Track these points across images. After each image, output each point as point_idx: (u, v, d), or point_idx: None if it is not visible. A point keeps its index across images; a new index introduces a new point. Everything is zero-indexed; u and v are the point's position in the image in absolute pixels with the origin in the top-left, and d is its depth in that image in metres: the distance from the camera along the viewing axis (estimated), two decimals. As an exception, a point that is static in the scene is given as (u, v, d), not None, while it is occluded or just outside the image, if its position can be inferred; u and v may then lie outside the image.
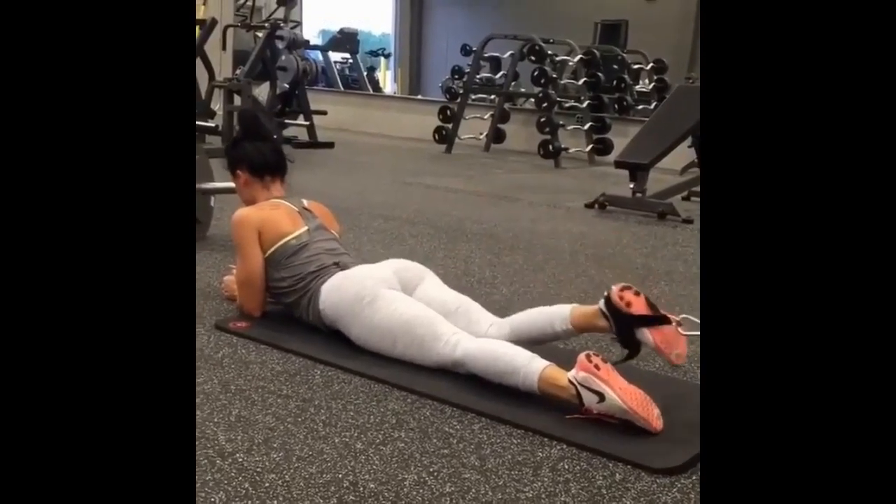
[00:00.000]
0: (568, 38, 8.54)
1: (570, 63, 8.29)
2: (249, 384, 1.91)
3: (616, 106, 8.58)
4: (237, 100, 6.45)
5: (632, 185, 5.03)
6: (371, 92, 11.62)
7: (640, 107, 8.83)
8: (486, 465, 1.58)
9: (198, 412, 1.73)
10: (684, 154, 6.22)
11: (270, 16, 8.11)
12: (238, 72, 7.83)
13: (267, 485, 1.46)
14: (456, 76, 8.94)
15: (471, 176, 6.55)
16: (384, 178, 5.89)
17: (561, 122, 7.80)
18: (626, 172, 5.13)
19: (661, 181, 5.52)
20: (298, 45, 7.70)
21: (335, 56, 11.72)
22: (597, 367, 1.73)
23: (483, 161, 7.66)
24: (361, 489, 1.46)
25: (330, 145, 7.54)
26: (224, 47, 8.01)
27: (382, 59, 14.20)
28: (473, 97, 8.78)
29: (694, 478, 1.57)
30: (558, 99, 7.87)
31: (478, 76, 8.60)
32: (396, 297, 2.11)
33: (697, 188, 5.50)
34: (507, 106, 8.58)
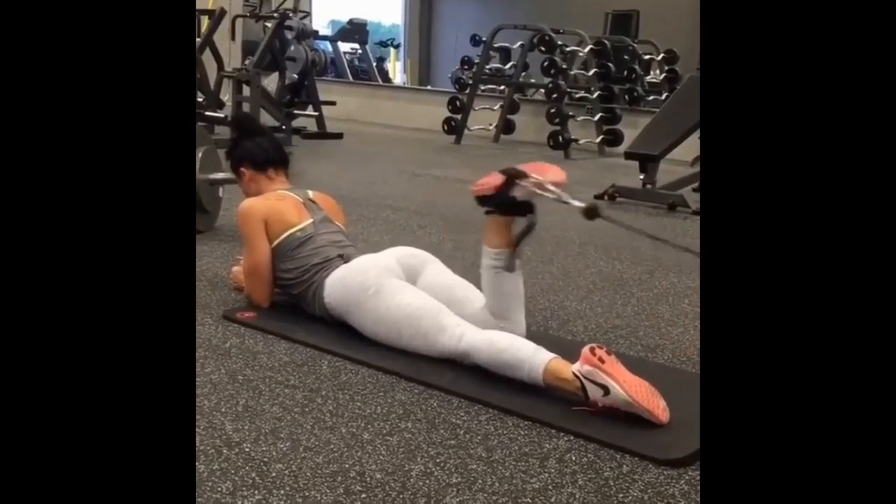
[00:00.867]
0: (578, 28, 8.48)
1: (581, 53, 8.24)
2: (257, 374, 1.92)
3: (626, 97, 8.53)
4: (246, 90, 6.44)
5: (642, 177, 5.01)
6: (380, 82, 11.60)
7: (651, 98, 8.77)
8: (493, 457, 1.58)
9: (205, 402, 1.74)
10: (695, 145, 6.17)
11: (280, 6, 8.09)
12: (247, 62, 7.84)
13: (274, 475, 1.46)
14: (465, 67, 8.90)
15: (480, 167, 6.51)
16: (393, 168, 5.88)
17: (571, 113, 7.76)
18: (636, 163, 5.10)
19: (672, 172, 5.49)
20: (307, 35, 7.69)
21: (344, 46, 11.69)
22: (601, 359, 1.72)
23: (492, 152, 7.63)
24: (368, 479, 1.46)
25: (339, 136, 7.53)
26: (233, 37, 8.01)
27: (392, 49, 14.16)
28: (483, 88, 8.75)
29: (701, 470, 1.57)
30: (568, 90, 7.83)
31: (487, 67, 8.56)
32: (401, 288, 2.10)
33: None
34: (516, 97, 8.55)
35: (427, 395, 1.85)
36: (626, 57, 8.81)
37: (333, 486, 1.43)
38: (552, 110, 7.58)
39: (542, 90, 7.84)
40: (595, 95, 8.05)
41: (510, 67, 8.74)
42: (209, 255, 2.95)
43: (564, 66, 7.84)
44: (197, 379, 1.84)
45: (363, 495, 1.41)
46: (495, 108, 8.50)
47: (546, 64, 7.63)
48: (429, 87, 12.72)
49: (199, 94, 6.53)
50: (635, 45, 9.08)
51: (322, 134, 7.49)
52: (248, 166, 2.54)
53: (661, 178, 5.07)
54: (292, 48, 7.45)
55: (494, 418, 1.75)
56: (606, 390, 1.71)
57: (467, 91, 8.33)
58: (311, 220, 2.37)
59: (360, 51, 11.89)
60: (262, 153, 2.53)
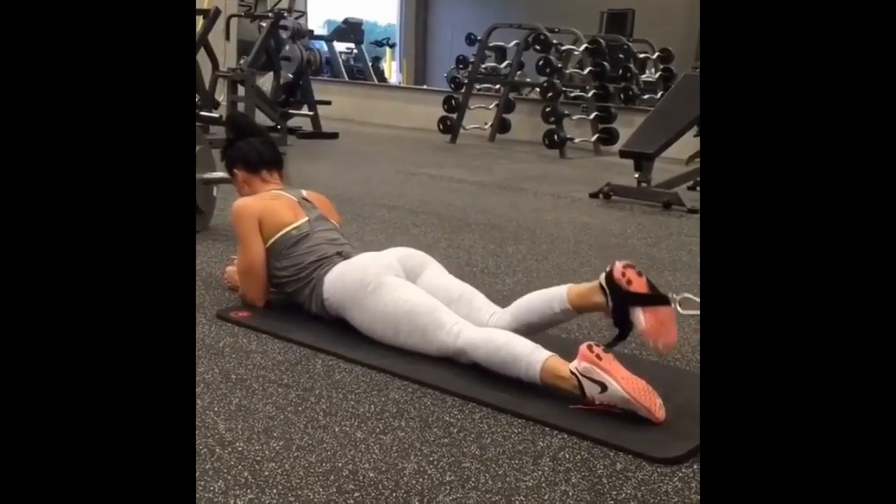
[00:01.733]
0: (573, 27, 8.48)
1: (576, 52, 8.24)
2: (250, 373, 1.91)
3: (622, 95, 8.54)
4: (241, 90, 6.43)
5: (637, 175, 5.01)
6: (376, 82, 11.59)
7: (646, 96, 8.79)
8: (487, 455, 1.57)
9: (198, 401, 1.73)
10: (690, 143, 6.19)
11: (275, 5, 8.08)
12: (242, 62, 7.82)
13: (266, 473, 1.46)
14: (461, 66, 8.91)
15: (475, 166, 6.54)
16: (388, 168, 5.88)
17: (566, 112, 7.76)
18: (631, 162, 5.11)
19: (667, 171, 5.49)
20: (302, 34, 7.68)
21: (340, 46, 11.69)
22: (598, 357, 1.72)
23: (488, 151, 7.63)
24: (361, 478, 1.46)
25: (334, 135, 7.53)
26: (228, 37, 7.99)
27: (387, 48, 14.15)
28: (478, 87, 8.75)
29: (695, 467, 1.57)
30: (563, 88, 7.84)
31: (483, 66, 8.57)
32: (400, 285, 2.10)
33: (703, 178, 5.47)
34: (512, 96, 8.55)
35: (421, 394, 1.85)
36: (621, 56, 8.83)
37: (326, 485, 1.43)
38: (547, 109, 7.57)
39: (538, 89, 7.85)
40: (590, 94, 8.05)
41: (505, 66, 8.75)
42: (204, 255, 2.95)
43: (560, 65, 7.85)
44: (190, 378, 1.84)
45: (356, 494, 1.41)
46: (491, 107, 8.51)
47: (541, 63, 7.63)
48: (424, 87, 12.72)
49: (193, 93, 6.52)
50: (630, 43, 9.09)
51: (317, 134, 7.49)
52: (241, 168, 2.55)
53: (656, 177, 5.08)
54: (287, 48, 7.45)
55: (488, 416, 1.74)
56: (604, 387, 1.71)
57: (463, 90, 8.33)
58: (307, 219, 2.37)
59: (355, 50, 11.88)
60: (254, 154, 2.54)
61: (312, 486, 1.43)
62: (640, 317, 1.89)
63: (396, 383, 1.90)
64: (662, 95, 7.42)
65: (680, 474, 1.54)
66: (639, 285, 1.91)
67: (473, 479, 1.48)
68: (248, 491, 1.40)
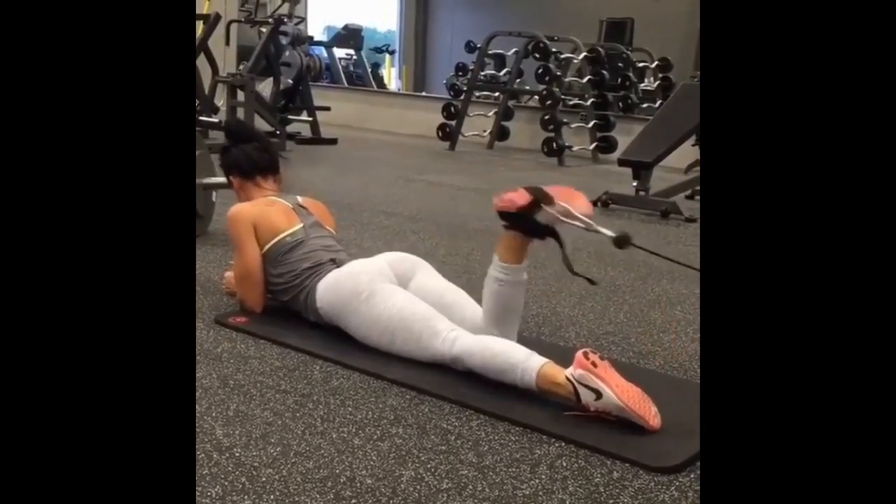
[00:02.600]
0: (573, 35, 8.51)
1: (575, 61, 8.26)
2: (248, 379, 1.91)
3: (620, 104, 8.56)
4: (240, 95, 6.44)
5: (635, 184, 5.02)
6: (375, 88, 11.61)
7: (645, 105, 8.81)
8: (484, 462, 1.57)
9: (196, 406, 1.73)
10: (688, 152, 6.20)
11: (275, 11, 8.10)
12: (241, 67, 7.83)
13: (264, 479, 1.45)
14: (460, 73, 8.92)
15: (474, 173, 6.54)
16: (387, 174, 5.88)
17: (565, 120, 7.77)
18: (629, 170, 5.11)
19: (665, 179, 5.50)
20: (302, 40, 7.69)
21: (339, 52, 11.70)
22: (594, 364, 1.73)
23: (486, 158, 7.64)
24: (358, 485, 1.46)
25: (333, 141, 7.53)
26: (228, 42, 7.99)
27: (387, 55, 14.17)
28: (477, 94, 8.76)
29: (692, 476, 1.57)
30: (562, 97, 7.84)
31: (482, 73, 8.58)
32: (394, 292, 2.10)
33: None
34: (511, 103, 8.56)
35: (418, 401, 1.85)
36: (620, 64, 8.85)
37: (324, 492, 1.43)
38: (546, 117, 7.58)
39: (537, 97, 7.85)
40: (589, 102, 8.07)
41: (505, 74, 8.76)
42: (202, 260, 2.95)
43: (559, 73, 7.85)
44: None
45: (353, 501, 1.41)
46: (489, 114, 8.51)
47: (540, 71, 7.64)
48: (423, 94, 12.73)
49: (193, 98, 6.53)
50: (629, 52, 9.12)
51: (316, 139, 7.48)
52: (237, 174, 2.57)
53: (654, 186, 5.09)
54: (287, 53, 7.45)
55: (485, 424, 1.74)
56: (599, 394, 1.71)
57: (462, 97, 8.34)
58: (302, 225, 2.37)
59: (355, 57, 11.90)
60: (247, 161, 2.55)
61: (310, 492, 1.43)
62: (547, 214, 1.91)
63: (394, 390, 1.90)
64: (661, 104, 7.44)
65: (677, 483, 1.54)
66: (521, 198, 1.93)
67: (471, 486, 1.48)
68: (246, 497, 1.39)
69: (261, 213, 2.37)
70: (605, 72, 8.16)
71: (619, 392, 1.70)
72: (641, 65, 9.17)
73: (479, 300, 2.22)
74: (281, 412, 1.74)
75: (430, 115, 8.75)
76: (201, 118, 6.32)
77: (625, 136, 7.00)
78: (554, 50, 7.84)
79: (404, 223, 4.03)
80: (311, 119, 7.54)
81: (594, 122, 7.95)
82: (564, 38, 8.40)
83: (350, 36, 11.47)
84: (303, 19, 9.42)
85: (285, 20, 7.63)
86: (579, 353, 1.75)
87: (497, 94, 8.80)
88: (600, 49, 8.33)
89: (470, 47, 9.06)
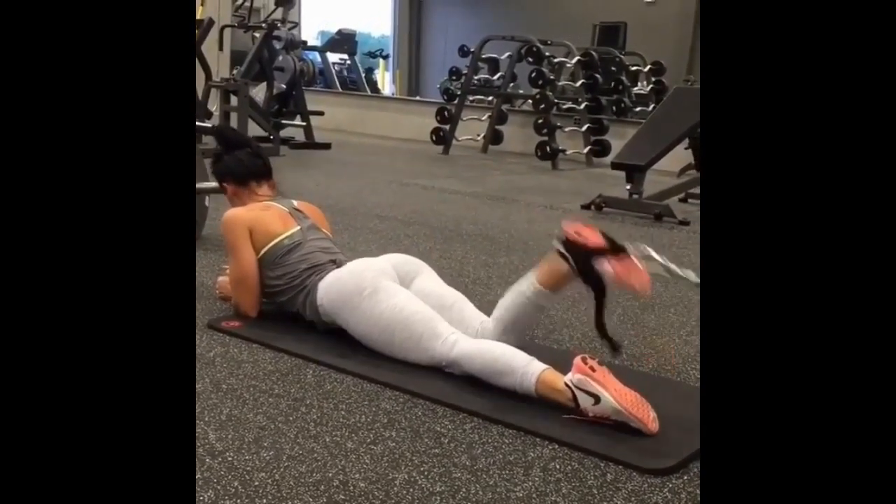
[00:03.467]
0: (566, 39, 8.54)
1: (568, 65, 8.29)
2: (241, 383, 1.91)
3: (614, 108, 8.59)
4: (234, 100, 6.44)
5: (628, 187, 5.03)
6: (369, 93, 11.62)
7: (638, 109, 8.84)
8: (477, 465, 1.57)
9: (188, 411, 1.73)
10: (681, 156, 6.22)
11: (268, 16, 8.10)
12: (235, 72, 7.83)
13: (256, 483, 1.45)
14: (454, 77, 8.94)
15: (468, 177, 6.55)
16: (381, 179, 5.88)
17: (558, 124, 7.79)
18: (623, 174, 5.13)
19: (659, 183, 5.51)
20: (296, 45, 7.70)
21: (333, 57, 11.72)
22: (592, 369, 1.73)
23: (480, 162, 7.65)
24: (351, 488, 1.45)
25: (327, 146, 7.53)
26: (221, 47, 8.00)
27: (381, 60, 14.19)
28: (471, 98, 8.78)
29: (685, 478, 1.57)
30: (556, 100, 7.87)
31: (475, 77, 8.60)
32: (397, 292, 2.10)
33: (694, 190, 5.50)
34: (504, 107, 8.59)
35: (412, 404, 1.85)
36: (613, 68, 8.88)
37: (317, 496, 1.43)
38: (540, 121, 7.61)
39: (530, 101, 7.88)
40: (582, 106, 8.09)
41: (498, 78, 8.78)
42: (195, 265, 2.95)
43: (552, 77, 7.88)
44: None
45: (346, 504, 1.40)
46: (483, 118, 8.53)
47: (534, 75, 7.66)
48: (417, 98, 12.75)
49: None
50: (622, 56, 9.15)
51: (310, 144, 7.49)
52: (230, 181, 2.56)
53: (647, 189, 5.10)
54: (280, 58, 7.46)
55: (479, 427, 1.74)
56: (597, 399, 1.71)
57: (455, 102, 8.36)
58: (299, 228, 2.37)
59: (348, 61, 11.92)
60: (241, 168, 2.54)
61: (302, 496, 1.42)
62: (607, 266, 1.89)
63: (387, 393, 1.90)
64: (654, 108, 7.46)
65: (670, 485, 1.54)
66: (594, 238, 1.92)
67: (464, 489, 1.48)
68: (238, 501, 1.39)
69: (256, 218, 2.37)
70: (598, 76, 8.19)
71: (617, 396, 1.70)
72: (634, 68, 9.21)
73: (476, 304, 2.23)
74: (274, 416, 1.74)
75: (424, 120, 8.76)
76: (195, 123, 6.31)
77: (618, 139, 7.02)
78: (547, 54, 7.86)
79: (398, 227, 4.03)
80: (304, 124, 7.55)
81: (588, 125, 7.97)
82: (558, 43, 8.43)
83: (344, 41, 11.49)
84: (296, 24, 9.42)
85: (279, 25, 7.64)
86: (578, 359, 1.76)
87: (491, 98, 8.82)
88: (593, 53, 8.36)
89: (463, 51, 9.09)
